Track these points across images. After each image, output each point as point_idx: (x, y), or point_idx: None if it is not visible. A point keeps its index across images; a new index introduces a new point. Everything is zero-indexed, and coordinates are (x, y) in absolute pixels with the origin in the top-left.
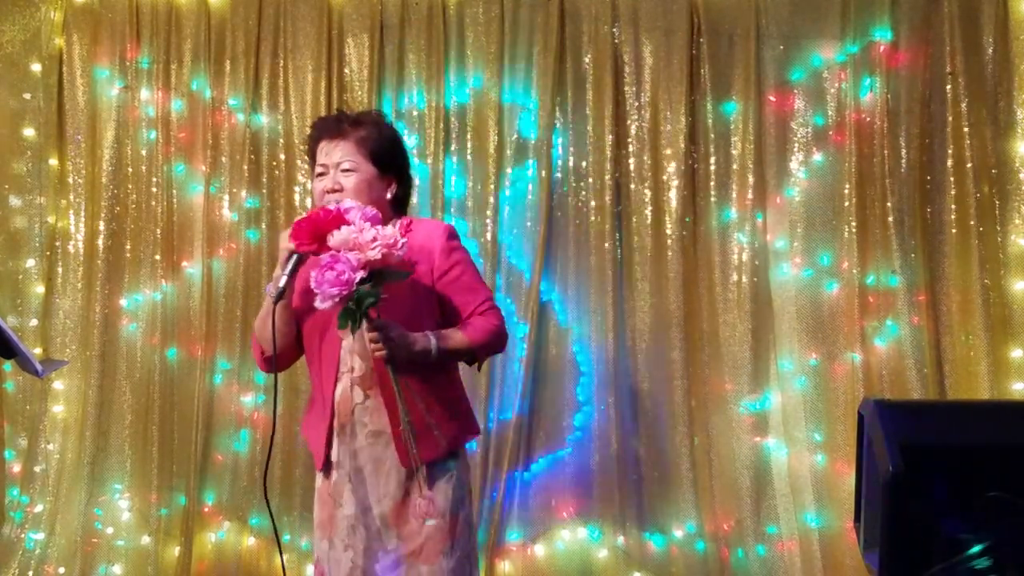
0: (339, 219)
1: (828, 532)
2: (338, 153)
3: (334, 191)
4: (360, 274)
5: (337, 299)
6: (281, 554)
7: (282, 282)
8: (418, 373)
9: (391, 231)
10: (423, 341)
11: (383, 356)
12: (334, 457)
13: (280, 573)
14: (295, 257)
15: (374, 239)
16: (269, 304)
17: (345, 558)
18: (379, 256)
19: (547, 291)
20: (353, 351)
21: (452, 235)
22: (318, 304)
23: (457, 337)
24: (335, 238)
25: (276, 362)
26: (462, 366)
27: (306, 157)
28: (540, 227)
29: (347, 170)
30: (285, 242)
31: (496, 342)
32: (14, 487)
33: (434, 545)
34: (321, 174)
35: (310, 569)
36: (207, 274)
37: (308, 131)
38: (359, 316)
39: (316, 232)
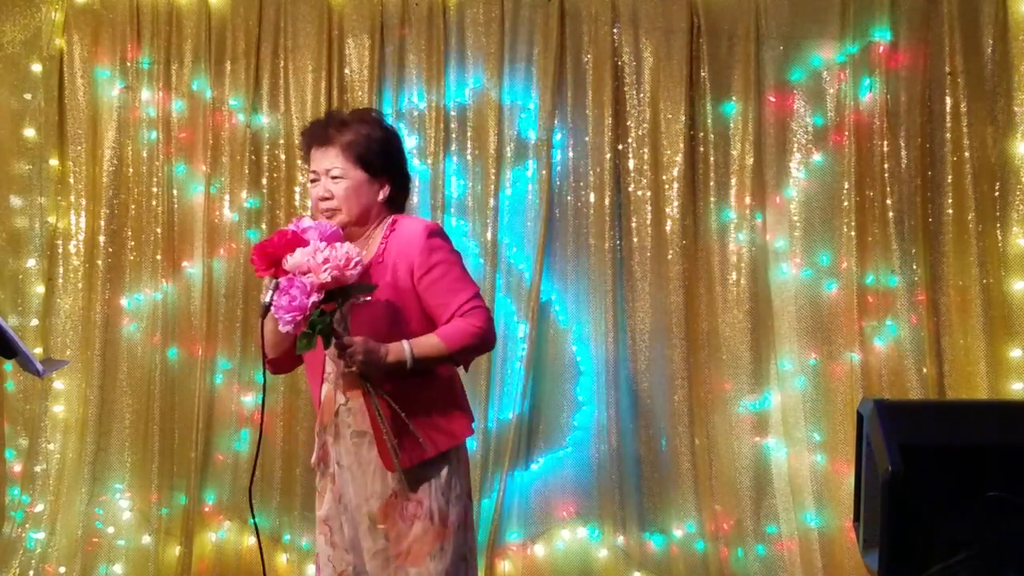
0: (296, 240)
1: (828, 532)
2: (327, 160)
3: (325, 199)
4: (314, 298)
5: (293, 324)
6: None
7: (267, 297)
8: (395, 380)
9: (345, 250)
10: (397, 352)
11: (354, 372)
12: (326, 455)
13: (281, 573)
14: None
15: (325, 261)
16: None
17: (338, 557)
18: (329, 279)
19: (547, 291)
20: (332, 356)
21: (433, 233)
22: (281, 328)
23: (433, 343)
24: (289, 262)
25: (276, 365)
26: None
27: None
28: (540, 227)
29: (336, 177)
30: None
31: (479, 344)
32: (14, 487)
33: (421, 547)
34: (315, 180)
35: (311, 569)
36: (208, 274)
37: None
38: (315, 339)
39: (271, 257)
